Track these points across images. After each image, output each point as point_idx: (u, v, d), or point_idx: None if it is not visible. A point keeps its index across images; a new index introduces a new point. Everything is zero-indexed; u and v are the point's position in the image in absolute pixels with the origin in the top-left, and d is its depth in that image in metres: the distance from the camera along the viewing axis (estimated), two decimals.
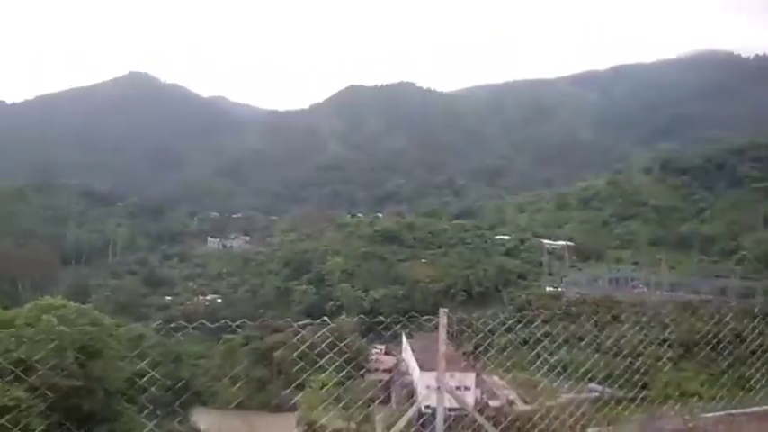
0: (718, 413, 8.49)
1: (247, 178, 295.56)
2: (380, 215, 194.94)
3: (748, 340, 15.62)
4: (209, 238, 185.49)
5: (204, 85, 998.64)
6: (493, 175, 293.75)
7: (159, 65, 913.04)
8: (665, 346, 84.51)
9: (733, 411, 8.52)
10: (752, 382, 14.39)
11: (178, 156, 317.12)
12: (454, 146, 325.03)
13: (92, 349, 40.63)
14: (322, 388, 71.94)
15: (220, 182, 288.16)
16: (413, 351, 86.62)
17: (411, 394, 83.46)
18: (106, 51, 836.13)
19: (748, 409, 8.65)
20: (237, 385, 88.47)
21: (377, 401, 79.20)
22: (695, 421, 8.01)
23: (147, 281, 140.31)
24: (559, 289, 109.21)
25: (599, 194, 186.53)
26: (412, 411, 6.53)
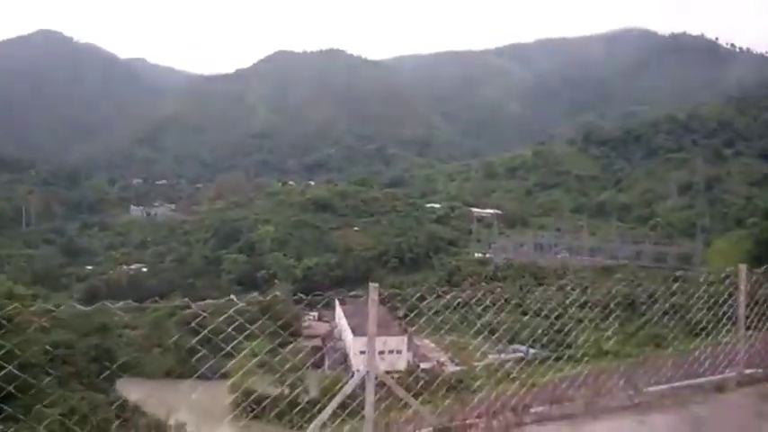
0: (661, 386, 8.68)
1: (170, 145, 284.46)
2: (312, 183, 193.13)
3: (661, 301, 16.42)
4: (131, 206, 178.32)
5: (122, 46, 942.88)
6: (423, 144, 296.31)
7: (73, 23, 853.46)
8: (585, 308, 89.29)
9: (676, 384, 8.72)
10: (668, 339, 15.34)
11: (94, 121, 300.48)
12: (384, 115, 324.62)
13: (4, 322, 38.58)
14: (254, 356, 71.74)
15: (141, 149, 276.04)
16: (346, 317, 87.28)
17: (344, 358, 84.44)
18: (12, 6, 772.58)
19: (692, 381, 8.86)
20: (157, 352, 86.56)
21: (309, 365, 79.75)
22: (641, 397, 8.19)
23: (66, 250, 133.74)
24: (488, 255, 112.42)
25: (525, 164, 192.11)
26: (352, 384, 6.09)
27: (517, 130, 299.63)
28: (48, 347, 49.71)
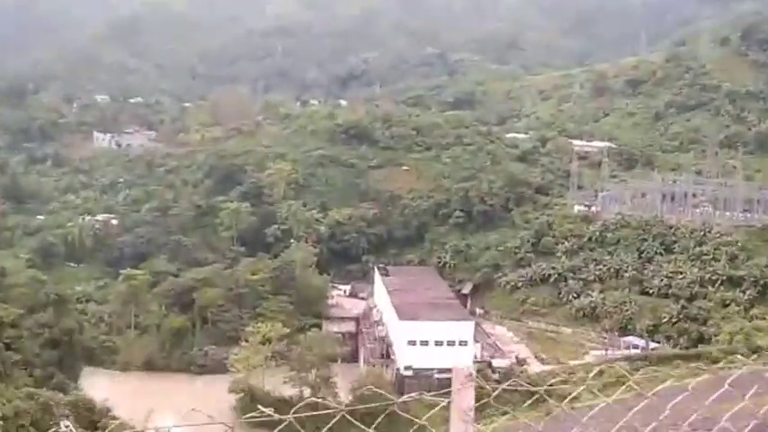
0: None
1: (148, 46, 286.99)
2: (343, 102, 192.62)
3: None
4: (95, 134, 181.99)
5: None
6: (504, 46, 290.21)
7: None
8: (734, 287, 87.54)
9: None
10: None
11: (43, 11, 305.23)
12: (449, 4, 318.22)
13: None
14: (264, 343, 74.15)
15: (108, 50, 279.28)
16: (388, 293, 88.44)
17: (385, 349, 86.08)
18: None
19: None
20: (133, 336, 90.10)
21: (339, 360, 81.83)
22: None
23: (8, 193, 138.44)
24: (593, 208, 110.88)
25: (653, 75, 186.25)
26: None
27: (642, 23, 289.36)
28: None
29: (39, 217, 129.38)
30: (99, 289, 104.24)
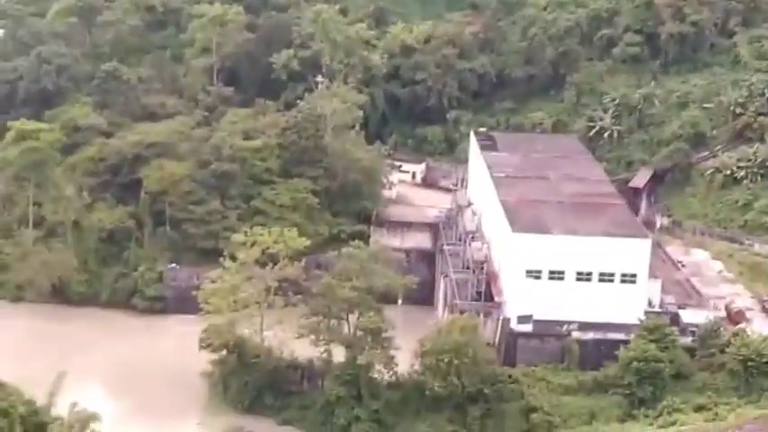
0: None
1: None
2: None
3: None
4: None
5: None
6: None
7: None
8: None
9: None
10: None
11: None
12: None
13: None
14: (263, 264, 74.22)
15: None
16: (495, 181, 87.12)
17: (485, 287, 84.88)
18: None
19: None
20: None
21: (400, 299, 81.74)
22: None
23: None
24: None
25: None
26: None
27: None
28: None
29: None
30: None
